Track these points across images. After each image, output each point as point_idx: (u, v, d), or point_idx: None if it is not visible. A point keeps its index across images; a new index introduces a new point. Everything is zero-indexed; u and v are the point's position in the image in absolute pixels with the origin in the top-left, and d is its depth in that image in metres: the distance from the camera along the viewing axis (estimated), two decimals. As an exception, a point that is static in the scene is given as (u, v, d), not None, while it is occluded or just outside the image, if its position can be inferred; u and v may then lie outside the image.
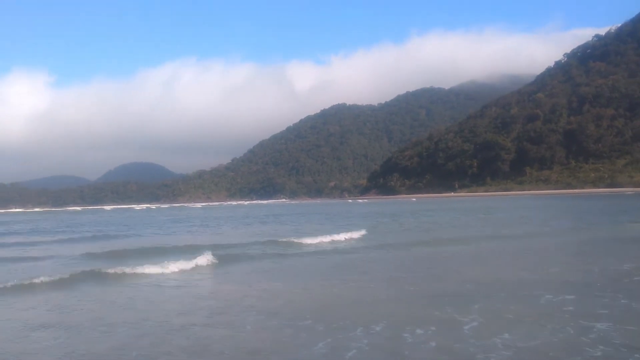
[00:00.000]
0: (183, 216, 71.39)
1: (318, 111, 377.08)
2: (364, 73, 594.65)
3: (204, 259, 17.09)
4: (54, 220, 68.74)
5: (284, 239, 24.08)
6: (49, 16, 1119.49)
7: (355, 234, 25.70)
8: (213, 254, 17.69)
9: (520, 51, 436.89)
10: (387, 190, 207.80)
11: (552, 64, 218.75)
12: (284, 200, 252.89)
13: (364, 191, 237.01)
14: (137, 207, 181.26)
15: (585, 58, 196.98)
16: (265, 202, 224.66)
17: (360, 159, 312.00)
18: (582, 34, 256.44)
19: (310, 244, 22.60)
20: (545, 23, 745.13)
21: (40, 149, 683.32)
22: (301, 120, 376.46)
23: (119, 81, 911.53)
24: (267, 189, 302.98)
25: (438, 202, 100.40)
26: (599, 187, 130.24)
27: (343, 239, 24.17)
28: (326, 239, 23.87)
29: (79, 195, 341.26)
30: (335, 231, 27.10)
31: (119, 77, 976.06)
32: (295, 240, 23.38)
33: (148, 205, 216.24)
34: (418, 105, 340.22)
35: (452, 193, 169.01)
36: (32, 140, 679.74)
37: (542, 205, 66.46)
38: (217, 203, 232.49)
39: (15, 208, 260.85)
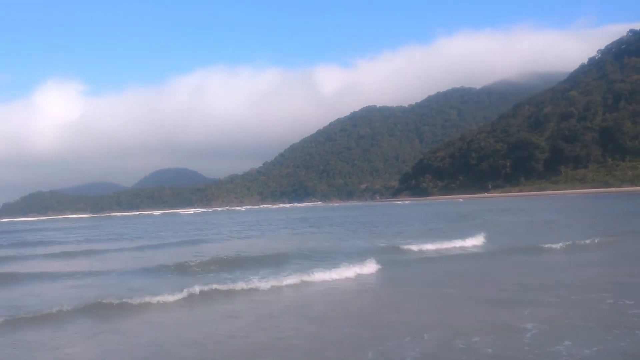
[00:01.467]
0: (239, 219, 70.11)
1: (348, 114, 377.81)
2: (390, 75, 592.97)
3: (372, 266, 16.04)
4: (117, 226, 67.86)
5: (405, 246, 21.54)
6: (83, 28, 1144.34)
7: (476, 240, 23.00)
8: (377, 260, 16.49)
9: (550, 49, 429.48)
10: (419, 191, 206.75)
11: (585, 60, 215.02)
12: (318, 203, 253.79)
13: (395, 193, 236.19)
14: (183, 211, 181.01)
15: (620, 54, 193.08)
16: (300, 205, 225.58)
17: (391, 160, 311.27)
18: (615, 30, 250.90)
19: (436, 250, 20.85)
20: (576, 19, 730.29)
21: (76, 157, 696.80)
22: (331, 123, 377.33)
23: (150, 89, 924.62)
24: (299, 192, 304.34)
25: (488, 203, 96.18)
26: (637, 185, 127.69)
27: (470, 244, 22.09)
28: (448, 244, 21.87)
29: (116, 202, 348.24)
30: (453, 236, 24.15)
31: (149, 85, 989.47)
32: (415, 248, 21.05)
33: (194, 209, 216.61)
34: (449, 106, 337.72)
35: (486, 194, 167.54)
36: (67, 148, 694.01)
37: (602, 204, 63.68)
38: (262, 206, 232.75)
39: (69, 214, 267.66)
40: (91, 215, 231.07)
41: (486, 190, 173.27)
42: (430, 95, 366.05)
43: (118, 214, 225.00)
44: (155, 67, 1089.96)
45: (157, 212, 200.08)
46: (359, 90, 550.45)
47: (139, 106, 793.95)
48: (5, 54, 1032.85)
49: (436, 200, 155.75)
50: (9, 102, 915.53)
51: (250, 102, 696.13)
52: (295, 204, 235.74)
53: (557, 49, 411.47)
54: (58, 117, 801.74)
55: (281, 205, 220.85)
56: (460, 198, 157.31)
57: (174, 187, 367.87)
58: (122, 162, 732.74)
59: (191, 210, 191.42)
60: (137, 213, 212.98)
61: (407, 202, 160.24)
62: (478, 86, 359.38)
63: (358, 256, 18.06)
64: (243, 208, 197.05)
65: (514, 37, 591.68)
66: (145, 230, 49.37)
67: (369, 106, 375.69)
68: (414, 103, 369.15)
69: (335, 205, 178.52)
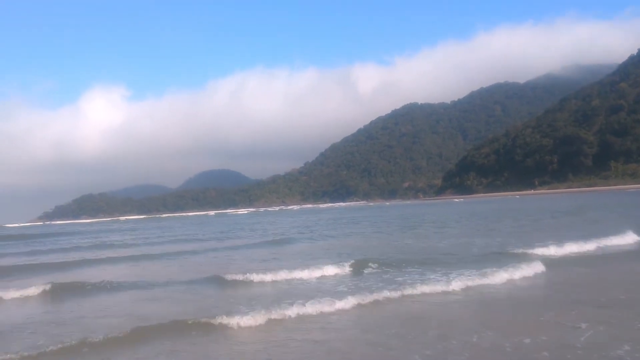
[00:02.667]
0: (299, 218, 68.10)
1: (389, 112, 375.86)
2: (429, 72, 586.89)
3: (535, 267, 14.25)
4: (188, 226, 65.22)
5: (519, 250, 17.91)
6: (127, 34, 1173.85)
7: (628, 237, 19.85)
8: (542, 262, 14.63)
9: (595, 40, 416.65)
10: (463, 189, 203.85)
11: (634, 51, 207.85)
12: (360, 202, 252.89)
13: (439, 191, 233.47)
14: (237, 211, 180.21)
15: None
16: (344, 204, 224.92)
17: (434, 158, 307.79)
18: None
19: (583, 251, 17.87)
20: (622, 9, 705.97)
21: (122, 160, 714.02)
22: (372, 122, 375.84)
23: (190, 93, 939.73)
24: (340, 192, 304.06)
25: (550, 200, 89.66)
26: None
27: (614, 243, 19.09)
28: (593, 244, 18.67)
29: (162, 203, 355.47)
30: (592, 235, 20.47)
31: (190, 89, 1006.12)
32: (542, 252, 17.30)
33: (247, 209, 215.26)
34: (493, 101, 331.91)
35: (532, 190, 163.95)
36: (113, 152, 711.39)
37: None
38: (310, 205, 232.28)
39: (118, 216, 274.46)
40: (146, 216, 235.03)
41: (532, 187, 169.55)
42: (473, 91, 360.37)
43: (167, 214, 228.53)
44: (196, 72, 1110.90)
45: (212, 212, 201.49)
46: (398, 88, 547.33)
47: (181, 110, 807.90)
48: (54, 61, 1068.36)
49: (488, 198, 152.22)
50: (56, 108, 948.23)
51: (288, 102, 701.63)
52: (340, 204, 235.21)
53: (603, 40, 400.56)
54: (103, 121, 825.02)
55: (330, 205, 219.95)
56: (516, 195, 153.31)
57: (218, 188, 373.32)
58: (167, 165, 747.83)
59: (245, 211, 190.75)
60: (192, 214, 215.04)
61: (457, 200, 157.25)
62: (521, 81, 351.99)
63: (511, 258, 15.92)
64: (296, 207, 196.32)
65: (556, 30, 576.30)
66: (221, 231, 45.25)
67: (410, 103, 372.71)
68: (456, 99, 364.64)
69: (387, 204, 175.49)
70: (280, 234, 34.86)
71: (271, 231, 40.00)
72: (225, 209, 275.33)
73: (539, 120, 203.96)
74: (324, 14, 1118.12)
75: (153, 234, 47.71)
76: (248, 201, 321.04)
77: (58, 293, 14.29)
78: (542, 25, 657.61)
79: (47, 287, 14.44)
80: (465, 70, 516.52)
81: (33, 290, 14.30)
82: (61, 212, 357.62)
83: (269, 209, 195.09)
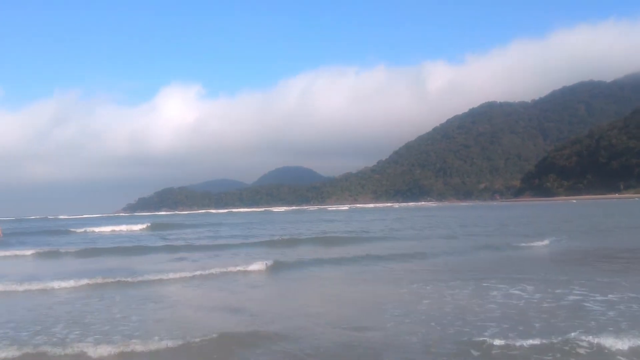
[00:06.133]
0: (391, 216, 66.13)
1: (465, 110, 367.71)
2: (503, 70, 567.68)
3: None
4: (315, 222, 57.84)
5: None
6: (206, 36, 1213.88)
7: None
8: None
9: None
10: (542, 192, 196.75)
11: None
12: (433, 202, 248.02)
13: (517, 193, 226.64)
14: (333, 208, 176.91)
15: None
16: (419, 204, 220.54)
17: (512, 159, 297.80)
18: None
19: None
20: None
21: (197, 155, 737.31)
22: (448, 120, 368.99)
23: (262, 92, 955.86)
24: (413, 191, 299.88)
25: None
26: None
27: None
28: None
29: (238, 198, 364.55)
30: None
31: (261, 88, 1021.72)
32: None
33: (344, 206, 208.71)
34: (576, 101, 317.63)
35: (617, 194, 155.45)
36: (188, 147, 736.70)
37: None
38: (388, 204, 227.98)
39: (196, 209, 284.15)
40: (220, 209, 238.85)
41: (617, 190, 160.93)
42: (555, 90, 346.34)
43: (242, 210, 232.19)
44: (267, 72, 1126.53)
45: (313, 208, 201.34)
46: (470, 87, 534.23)
47: (253, 108, 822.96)
48: (137, 61, 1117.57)
49: (573, 201, 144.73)
50: (136, 105, 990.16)
51: (357, 100, 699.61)
52: (415, 203, 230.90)
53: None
54: (179, 118, 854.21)
55: (412, 204, 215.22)
56: (599, 198, 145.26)
57: (292, 185, 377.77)
58: (241, 161, 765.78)
59: (345, 207, 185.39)
60: (298, 208, 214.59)
61: (536, 202, 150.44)
62: (607, 80, 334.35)
63: None
64: (371, 205, 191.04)
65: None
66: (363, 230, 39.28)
67: (488, 102, 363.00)
68: (536, 98, 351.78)
69: (462, 204, 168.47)
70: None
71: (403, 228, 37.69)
72: (299, 205, 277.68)
73: (627, 120, 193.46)
74: (392, 11, 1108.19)
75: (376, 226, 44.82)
76: (320, 198, 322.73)
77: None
78: (626, 20, 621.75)
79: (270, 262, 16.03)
80: (543, 69, 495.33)
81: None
82: (144, 204, 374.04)
83: (340, 207, 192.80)
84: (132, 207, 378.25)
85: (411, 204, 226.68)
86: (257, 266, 15.54)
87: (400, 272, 14.76)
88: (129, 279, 13.89)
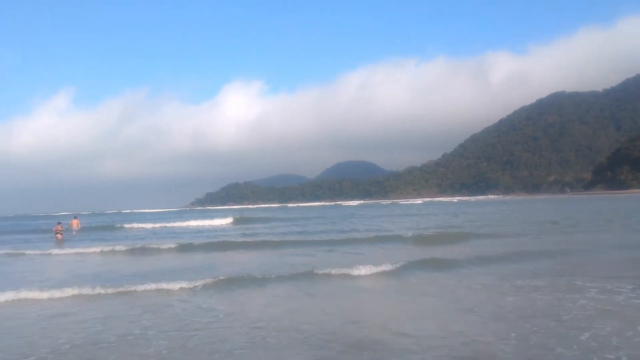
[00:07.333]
0: (477, 210, 65.05)
1: (533, 101, 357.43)
2: (569, 60, 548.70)
3: None
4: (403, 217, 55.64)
5: None
6: (267, 32, 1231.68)
7: None
8: None
9: None
10: (615, 184, 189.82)
11: None
12: (500, 196, 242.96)
13: (588, 186, 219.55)
14: (407, 202, 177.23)
15: None
16: (487, 197, 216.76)
17: (583, 150, 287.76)
18: None
19: None
20: None
21: (260, 151, 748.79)
22: (515, 112, 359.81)
23: (321, 86, 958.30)
24: (479, 184, 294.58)
25: None
26: None
27: None
28: None
29: (300, 192, 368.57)
30: None
31: (321, 83, 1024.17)
32: None
33: (420, 200, 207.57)
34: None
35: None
36: (254, 142, 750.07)
37: None
38: (464, 198, 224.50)
39: (261, 204, 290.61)
40: (283, 204, 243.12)
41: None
42: (629, 78, 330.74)
43: (312, 204, 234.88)
44: (327, 66, 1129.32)
45: (386, 202, 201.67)
46: (534, 77, 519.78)
47: (312, 103, 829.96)
48: (201, 60, 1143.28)
49: None
50: (199, 103, 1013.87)
51: (417, 93, 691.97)
52: (480, 197, 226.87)
53: None
54: (241, 115, 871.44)
55: (481, 197, 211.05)
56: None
57: (354, 180, 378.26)
58: (303, 156, 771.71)
59: (419, 200, 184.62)
60: (363, 202, 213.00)
61: (611, 194, 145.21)
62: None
63: None
64: (455, 199, 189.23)
65: None
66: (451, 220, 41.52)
67: (557, 92, 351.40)
68: (608, 87, 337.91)
69: (538, 197, 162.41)
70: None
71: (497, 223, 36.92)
72: (360, 200, 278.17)
73: None
74: (452, 3, 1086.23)
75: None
76: (383, 192, 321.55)
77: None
78: None
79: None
80: (613, 57, 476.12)
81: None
82: (211, 199, 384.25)
83: (415, 200, 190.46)
84: (201, 202, 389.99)
85: (480, 197, 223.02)
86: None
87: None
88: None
